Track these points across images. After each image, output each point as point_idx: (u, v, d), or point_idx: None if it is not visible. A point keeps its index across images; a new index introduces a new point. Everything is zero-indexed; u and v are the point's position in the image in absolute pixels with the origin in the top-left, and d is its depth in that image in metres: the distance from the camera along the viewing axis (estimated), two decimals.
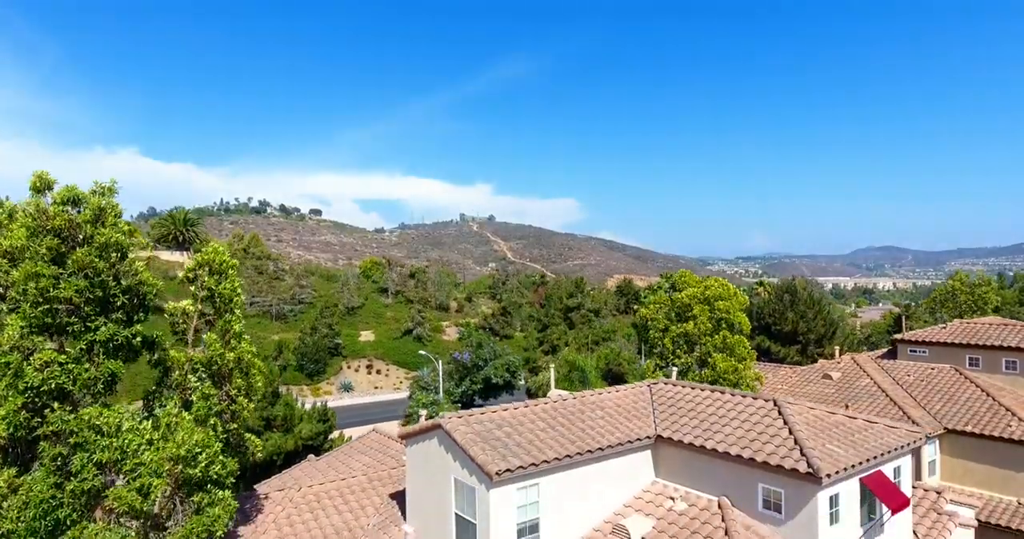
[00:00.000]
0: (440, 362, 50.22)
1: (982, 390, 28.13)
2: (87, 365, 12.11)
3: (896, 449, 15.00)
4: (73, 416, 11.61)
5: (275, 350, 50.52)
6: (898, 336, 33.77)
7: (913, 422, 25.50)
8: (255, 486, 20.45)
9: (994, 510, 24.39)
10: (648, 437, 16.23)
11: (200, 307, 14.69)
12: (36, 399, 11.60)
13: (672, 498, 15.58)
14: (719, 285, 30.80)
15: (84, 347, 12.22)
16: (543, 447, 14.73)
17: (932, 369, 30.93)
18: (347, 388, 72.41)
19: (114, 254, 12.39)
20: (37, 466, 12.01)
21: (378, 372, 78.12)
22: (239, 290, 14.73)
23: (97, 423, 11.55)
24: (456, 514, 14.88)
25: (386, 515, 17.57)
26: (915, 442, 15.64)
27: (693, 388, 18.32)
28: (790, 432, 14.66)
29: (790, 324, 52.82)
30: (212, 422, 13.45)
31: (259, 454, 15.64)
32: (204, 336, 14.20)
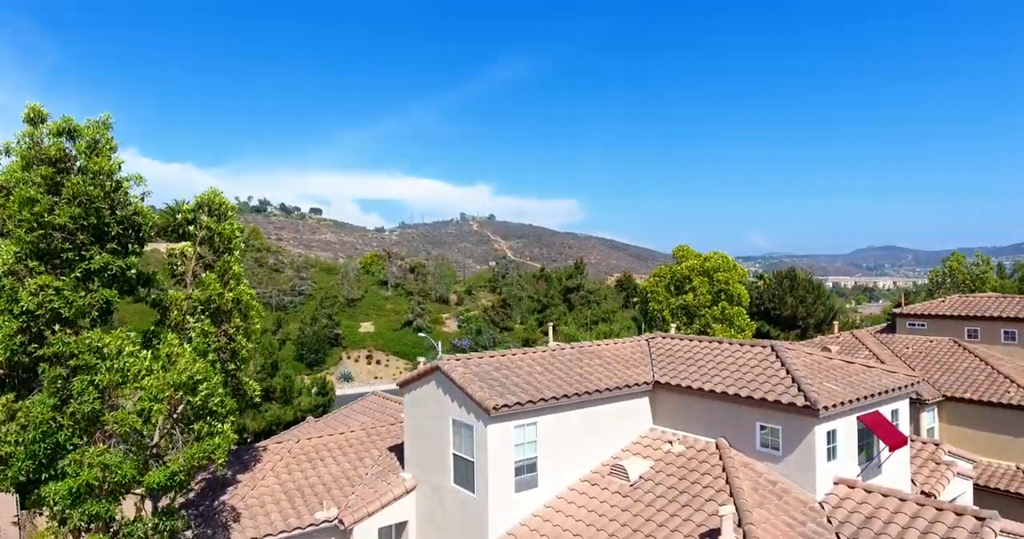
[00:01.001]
0: (440, 345, 50.21)
1: (980, 360, 28.16)
2: (82, 292, 12.14)
3: (894, 390, 15.02)
4: (74, 339, 11.63)
5: (274, 324, 50.43)
6: (897, 310, 33.79)
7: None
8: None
9: (992, 475, 24.40)
10: (646, 383, 16.26)
11: (198, 250, 14.73)
12: (32, 323, 11.62)
13: (670, 442, 15.61)
14: (718, 257, 30.84)
15: (79, 276, 12.24)
16: (541, 387, 14.76)
17: (931, 341, 30.95)
18: (347, 378, 72.42)
19: (108, 183, 12.41)
20: (36, 392, 12.02)
21: (378, 362, 78.13)
22: (238, 231, 14.76)
23: (98, 346, 11.57)
24: (455, 455, 14.92)
25: (385, 465, 17.58)
26: (913, 385, 15.67)
27: (691, 340, 18.35)
28: (788, 372, 14.69)
29: (789, 309, 52.80)
30: (211, 358, 13.47)
31: (256, 398, 15.66)
32: (203, 276, 14.24)
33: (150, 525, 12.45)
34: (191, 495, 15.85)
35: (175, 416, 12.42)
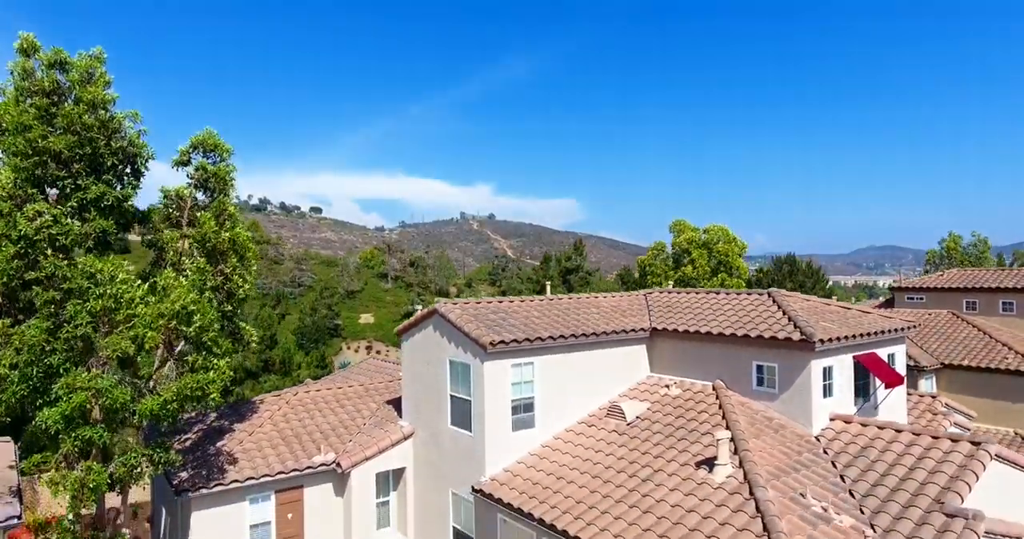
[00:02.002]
0: None
1: (978, 329, 28.19)
2: (78, 221, 12.18)
3: (890, 331, 15.03)
4: (67, 263, 11.66)
5: (274, 299, 50.30)
6: (895, 284, 33.79)
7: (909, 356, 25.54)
8: None
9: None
10: (643, 329, 16.26)
11: (194, 192, 14.75)
12: (29, 249, 11.64)
13: (667, 386, 15.61)
14: (718, 230, 30.83)
15: (75, 205, 12.28)
16: (537, 328, 14.78)
17: (929, 314, 30.93)
18: (346, 367, 72.38)
19: (103, 112, 12.43)
20: (33, 319, 12.04)
21: (377, 352, 77.98)
22: (233, 173, 14.78)
23: (91, 271, 11.59)
24: (452, 396, 14.94)
25: (383, 416, 17.60)
26: (909, 328, 15.67)
27: (688, 292, 18.36)
28: (784, 313, 14.69)
29: None
30: (207, 295, 13.47)
31: (254, 344, 15.66)
32: (199, 215, 14.25)
33: (144, 456, 12.49)
34: (188, 443, 15.89)
35: (169, 346, 12.44)
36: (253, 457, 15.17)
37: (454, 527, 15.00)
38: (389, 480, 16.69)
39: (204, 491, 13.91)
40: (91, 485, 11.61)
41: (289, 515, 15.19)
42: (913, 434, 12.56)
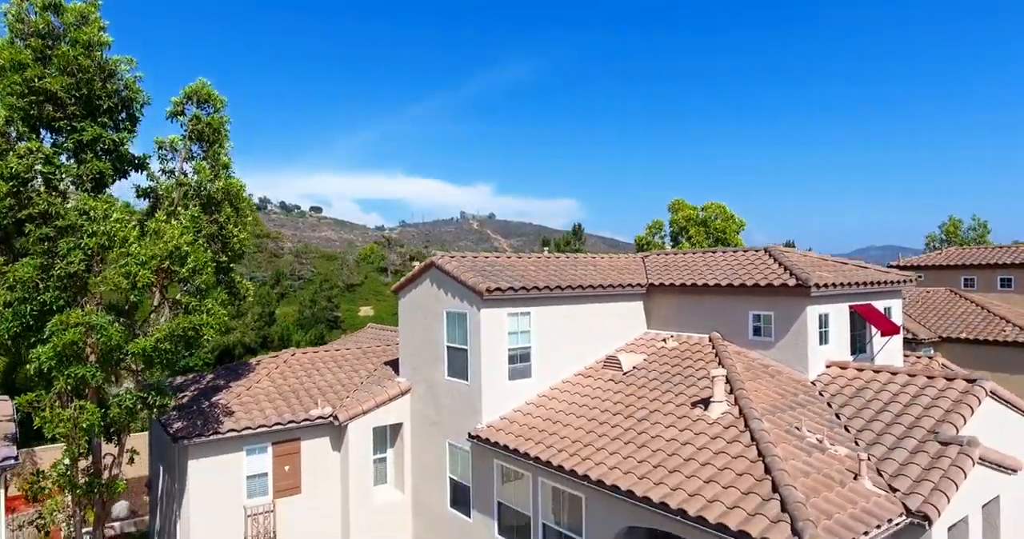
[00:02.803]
0: None
1: (977, 304, 28.21)
2: (75, 163, 12.20)
3: (886, 283, 15.04)
4: (60, 200, 11.68)
5: (273, 278, 50.22)
6: (893, 263, 33.80)
7: (906, 328, 25.55)
8: None
9: None
10: (640, 285, 16.28)
11: (188, 143, 14.75)
12: (21, 187, 11.65)
13: (664, 340, 15.63)
14: (715, 207, 30.84)
15: (72, 146, 12.29)
16: (534, 279, 14.79)
17: (927, 292, 30.93)
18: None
19: (98, 54, 12.44)
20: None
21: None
22: (227, 124, 14.76)
23: (85, 208, 11.61)
24: (449, 347, 14.95)
25: (380, 375, 17.60)
26: (906, 281, 15.67)
27: (685, 252, 18.37)
28: (780, 264, 14.69)
29: None
30: (202, 243, 13.47)
31: (250, 298, 15.66)
32: (193, 164, 14.25)
33: (138, 398, 12.48)
34: (185, 399, 15.90)
35: (163, 289, 12.46)
36: (250, 409, 15.18)
37: (451, 478, 15.01)
38: (386, 436, 16.70)
39: (201, 439, 13.91)
40: (84, 425, 11.60)
41: (286, 467, 15.19)
42: (909, 375, 12.57)
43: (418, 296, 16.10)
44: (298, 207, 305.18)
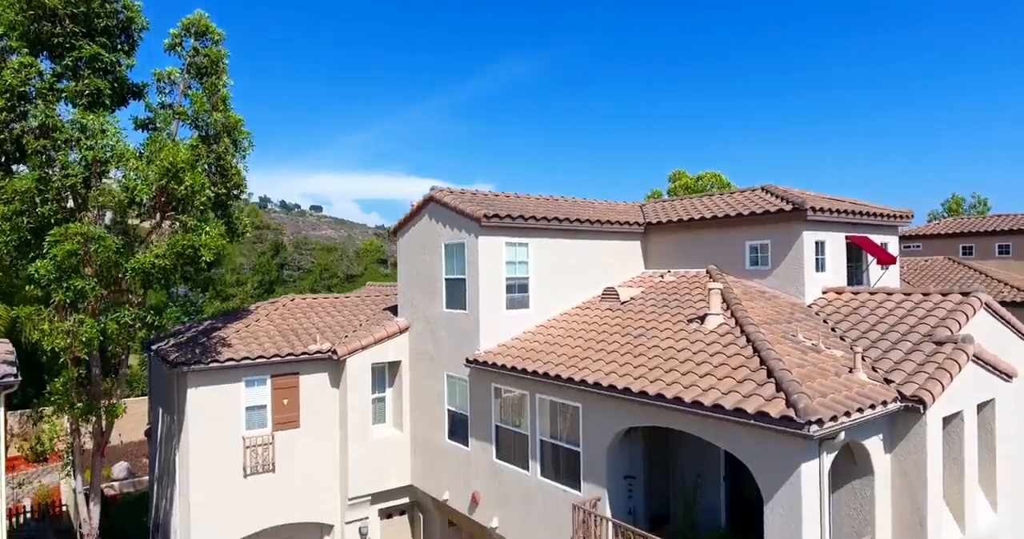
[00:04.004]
0: None
1: (975, 270, 28.23)
2: (73, 81, 12.27)
3: (883, 215, 15.08)
4: (57, 113, 11.74)
5: (272, 249, 50.23)
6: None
7: None
8: None
9: None
10: (638, 223, 16.33)
11: (187, 77, 14.80)
12: (16, 102, 11.72)
13: (662, 275, 15.68)
14: (711, 176, 30.89)
15: (71, 63, 12.36)
16: (532, 209, 14.83)
17: (925, 260, 30.98)
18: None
19: None
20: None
21: None
22: (225, 58, 14.81)
23: (82, 122, 11.68)
24: (447, 279, 15.00)
25: (380, 318, 17.65)
26: (903, 216, 15.71)
27: (683, 199, 18.42)
28: (776, 196, 14.74)
29: None
30: (200, 169, 13.52)
31: (248, 234, 15.71)
32: (191, 94, 14.30)
33: (137, 315, 12.55)
34: (183, 338, 15.94)
35: (159, 199, 12.52)
36: (249, 343, 15.22)
37: (448, 410, 15.05)
38: (385, 375, 16.75)
39: (200, 366, 13.94)
40: (83, 338, 11.66)
41: (285, 400, 15.23)
42: (904, 294, 12.62)
43: (416, 233, 16.16)
44: (298, 206, 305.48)
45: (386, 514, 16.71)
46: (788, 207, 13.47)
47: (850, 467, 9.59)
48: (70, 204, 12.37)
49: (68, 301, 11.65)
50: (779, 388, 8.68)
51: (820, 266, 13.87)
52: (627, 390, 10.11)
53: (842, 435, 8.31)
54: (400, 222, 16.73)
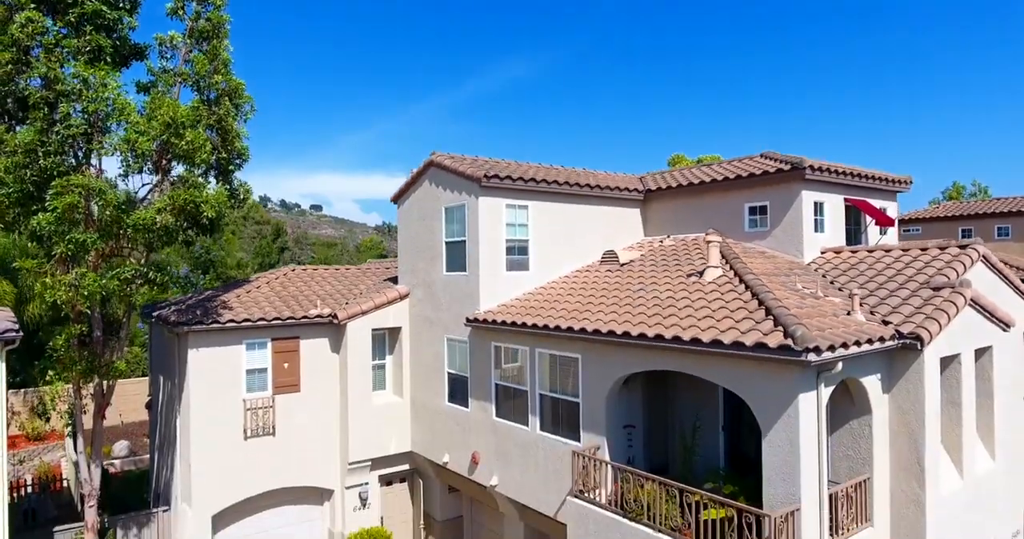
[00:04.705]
0: None
1: None
2: (75, 38, 12.33)
3: (882, 179, 15.12)
4: (59, 65, 11.79)
5: (273, 233, 50.31)
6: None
7: None
8: None
9: None
10: (637, 190, 16.39)
11: (189, 42, 14.84)
12: (21, 55, 11.78)
13: (661, 240, 15.73)
14: (711, 159, 30.92)
15: (72, 19, 12.41)
16: (532, 173, 14.87)
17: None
18: None
19: None
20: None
21: None
22: (227, 22, 14.84)
23: (83, 75, 11.73)
24: (447, 243, 15.05)
25: (381, 287, 17.69)
26: (902, 182, 15.74)
27: (682, 169, 18.46)
28: (774, 159, 14.77)
29: None
30: (200, 129, 13.55)
31: (249, 199, 15.74)
32: (192, 56, 14.34)
33: (138, 271, 12.59)
34: (184, 306, 15.98)
35: (160, 153, 12.57)
36: (250, 307, 15.27)
37: (449, 373, 15.10)
38: (385, 342, 16.79)
39: (201, 327, 13.99)
40: (84, 291, 11.70)
41: (285, 364, 15.27)
42: (902, 249, 12.67)
43: (416, 199, 16.21)
44: (298, 205, 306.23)
45: (386, 481, 16.75)
46: (787, 167, 13.52)
47: (848, 408, 9.63)
48: (72, 161, 12.42)
49: (69, 254, 11.71)
50: (777, 323, 8.73)
51: (819, 227, 13.92)
52: (626, 334, 10.15)
53: (839, 366, 8.35)
54: (400, 189, 16.77)
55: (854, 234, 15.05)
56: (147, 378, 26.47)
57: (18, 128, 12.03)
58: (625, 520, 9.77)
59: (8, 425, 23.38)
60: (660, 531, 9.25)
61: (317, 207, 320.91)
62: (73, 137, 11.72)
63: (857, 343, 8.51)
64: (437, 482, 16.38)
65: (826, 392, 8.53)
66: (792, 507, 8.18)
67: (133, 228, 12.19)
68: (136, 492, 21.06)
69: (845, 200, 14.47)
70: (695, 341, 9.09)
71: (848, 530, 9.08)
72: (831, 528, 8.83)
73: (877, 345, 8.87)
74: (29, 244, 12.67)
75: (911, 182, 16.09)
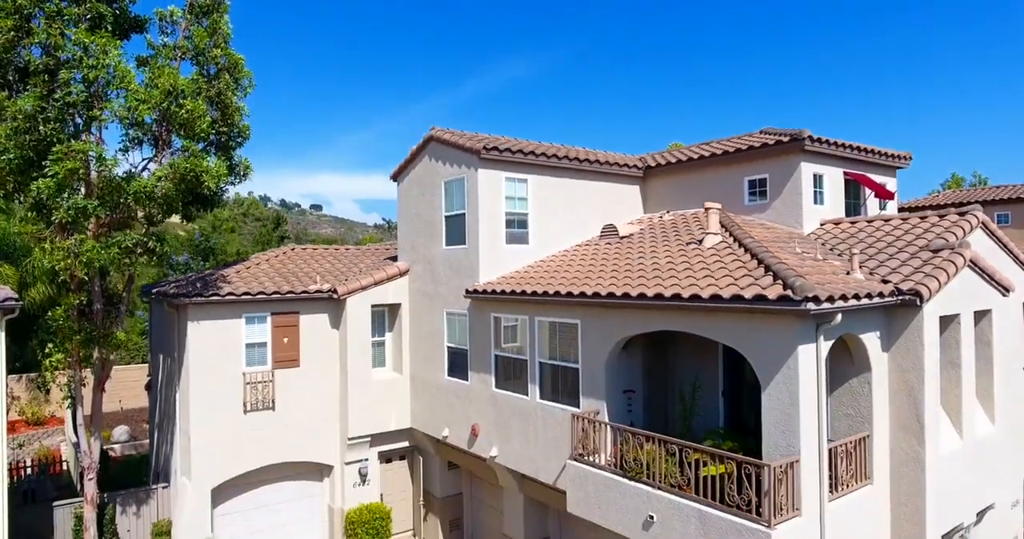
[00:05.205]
0: None
1: None
2: (74, 3, 12.34)
3: (882, 154, 15.11)
4: (59, 31, 11.80)
5: (273, 222, 50.34)
6: None
7: None
8: None
9: None
10: (636, 166, 16.40)
11: (189, 17, 14.84)
12: (23, 22, 11.78)
13: (661, 216, 15.73)
14: None
15: None
16: (532, 146, 14.88)
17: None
18: None
19: None
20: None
21: None
22: None
23: (84, 42, 11.73)
24: (446, 217, 15.06)
25: (380, 265, 17.69)
26: (903, 157, 15.74)
27: (681, 149, 18.45)
28: (773, 134, 14.77)
29: None
30: (200, 100, 13.56)
31: (250, 175, 15.74)
32: (192, 29, 14.34)
33: (138, 240, 12.60)
34: (183, 282, 15.99)
35: (160, 121, 12.58)
36: (250, 282, 15.28)
37: (448, 347, 15.09)
38: (384, 320, 16.79)
39: (201, 299, 13.99)
40: (83, 259, 11.70)
41: (285, 339, 15.27)
42: (901, 218, 12.67)
43: (416, 175, 16.21)
44: (298, 205, 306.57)
45: (385, 459, 16.75)
46: (786, 139, 13.52)
47: (847, 367, 9.63)
48: (72, 129, 12.42)
49: (70, 220, 11.70)
50: (776, 277, 8.73)
51: (818, 199, 13.91)
52: (626, 295, 10.15)
53: (838, 318, 8.34)
54: (400, 166, 16.77)
55: (854, 208, 15.04)
56: (146, 365, 26.50)
57: (19, 98, 12.01)
58: (624, 480, 9.76)
59: (8, 410, 23.40)
60: (659, 489, 9.24)
61: (317, 207, 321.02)
62: (73, 104, 11.71)
63: (856, 296, 8.51)
64: (437, 459, 16.38)
65: (825, 346, 8.53)
66: (792, 458, 8.18)
67: (134, 197, 12.19)
68: (136, 475, 21.04)
69: (845, 174, 14.46)
70: (695, 298, 9.09)
71: (847, 486, 9.08)
72: (831, 484, 8.83)
73: (876, 300, 8.87)
74: (29, 214, 12.63)
75: (911, 158, 16.08)
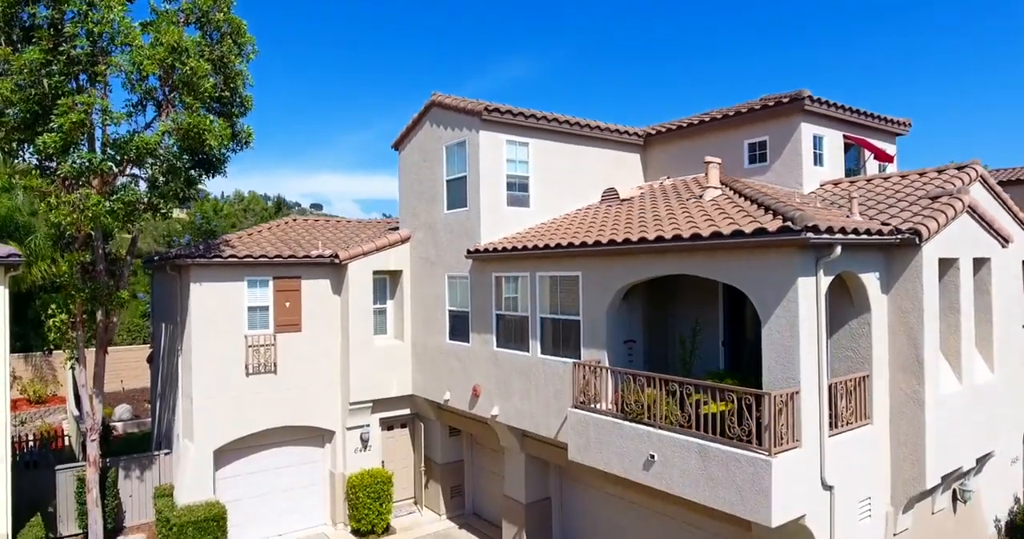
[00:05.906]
0: None
1: None
2: None
3: (882, 119, 15.17)
4: None
5: (275, 206, 50.42)
6: None
7: None
8: None
9: None
10: (637, 134, 16.47)
11: None
12: None
13: (661, 182, 15.80)
14: None
15: None
16: (533, 111, 14.94)
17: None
18: None
19: None
20: None
21: None
22: None
23: None
24: (447, 181, 15.12)
25: (382, 233, 17.76)
26: (903, 124, 15.80)
27: (682, 119, 18.52)
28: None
29: None
30: (203, 62, 13.62)
31: (251, 142, 15.80)
32: None
33: (143, 197, 12.67)
34: (184, 249, 16.07)
35: (164, 77, 12.64)
36: (251, 247, 15.35)
37: (449, 310, 15.15)
38: (386, 287, 16.85)
39: (203, 260, 14.05)
40: (89, 213, 11.76)
41: (287, 303, 15.33)
42: (900, 176, 12.73)
43: (417, 141, 16.28)
44: (299, 205, 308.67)
45: (387, 426, 16.80)
46: (786, 99, 13.58)
47: (847, 309, 9.69)
48: (74, 85, 12.49)
49: (75, 173, 11.77)
50: (776, 214, 8.80)
51: (818, 160, 13.96)
52: (627, 241, 10.22)
53: (838, 250, 8.38)
54: (401, 134, 16.85)
55: (853, 173, 15.10)
56: (147, 346, 26.56)
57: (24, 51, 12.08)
58: (625, 422, 9.81)
59: (10, 387, 23.46)
60: (661, 428, 9.30)
61: (317, 206, 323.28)
62: (78, 60, 11.78)
63: (856, 232, 8.58)
64: (437, 425, 16.43)
65: (825, 281, 8.58)
66: (792, 389, 8.23)
67: (137, 152, 12.25)
68: (139, 450, 21.11)
69: (844, 137, 14.52)
70: (695, 236, 9.14)
71: (847, 423, 9.13)
72: (831, 422, 8.88)
73: (876, 238, 8.94)
74: (34, 171, 12.69)
75: (910, 124, 16.14)
